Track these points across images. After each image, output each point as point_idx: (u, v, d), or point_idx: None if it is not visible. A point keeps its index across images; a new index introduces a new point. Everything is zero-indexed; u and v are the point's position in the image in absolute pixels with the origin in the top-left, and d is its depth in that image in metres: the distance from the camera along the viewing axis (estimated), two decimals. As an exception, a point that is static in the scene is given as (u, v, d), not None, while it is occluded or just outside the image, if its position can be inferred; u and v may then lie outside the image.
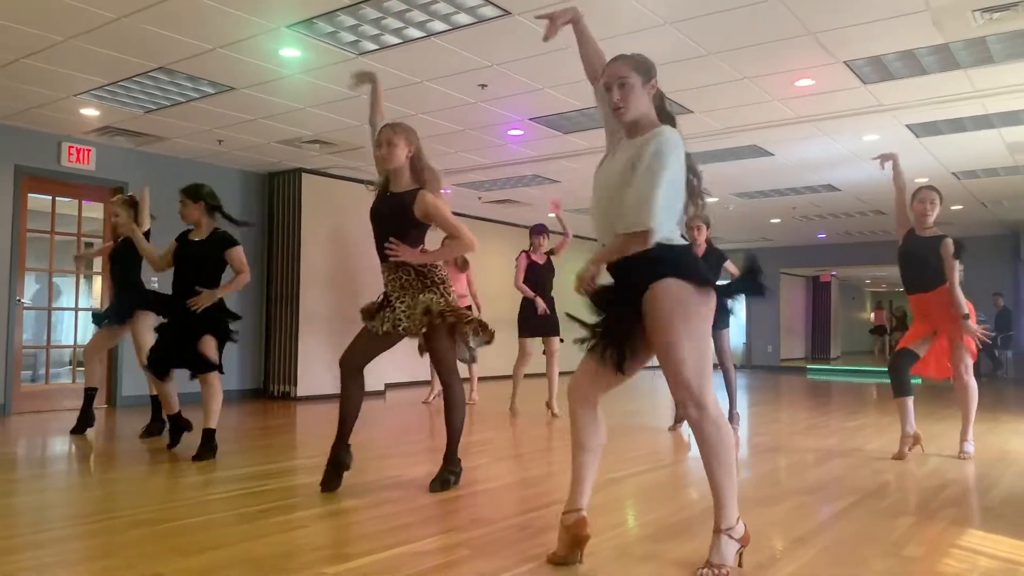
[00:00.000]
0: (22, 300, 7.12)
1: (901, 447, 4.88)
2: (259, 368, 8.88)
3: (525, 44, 4.96)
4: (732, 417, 6.06)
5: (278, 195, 8.96)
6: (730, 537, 2.51)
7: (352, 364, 3.76)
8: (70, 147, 7.28)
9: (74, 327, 7.72)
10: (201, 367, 4.57)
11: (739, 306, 16.75)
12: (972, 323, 4.73)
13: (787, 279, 17.71)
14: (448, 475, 3.83)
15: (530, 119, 6.72)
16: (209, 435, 4.58)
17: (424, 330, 3.69)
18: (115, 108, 6.40)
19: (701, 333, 2.45)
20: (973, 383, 4.89)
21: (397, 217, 3.69)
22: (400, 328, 3.67)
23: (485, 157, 8.20)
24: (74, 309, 7.85)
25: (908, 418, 4.87)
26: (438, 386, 7.44)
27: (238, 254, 4.76)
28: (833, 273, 19.60)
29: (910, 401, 4.87)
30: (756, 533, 3.14)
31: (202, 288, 4.62)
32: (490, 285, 9.89)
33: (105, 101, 6.21)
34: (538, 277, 7.13)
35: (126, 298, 5.55)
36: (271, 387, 8.75)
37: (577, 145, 7.54)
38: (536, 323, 7.04)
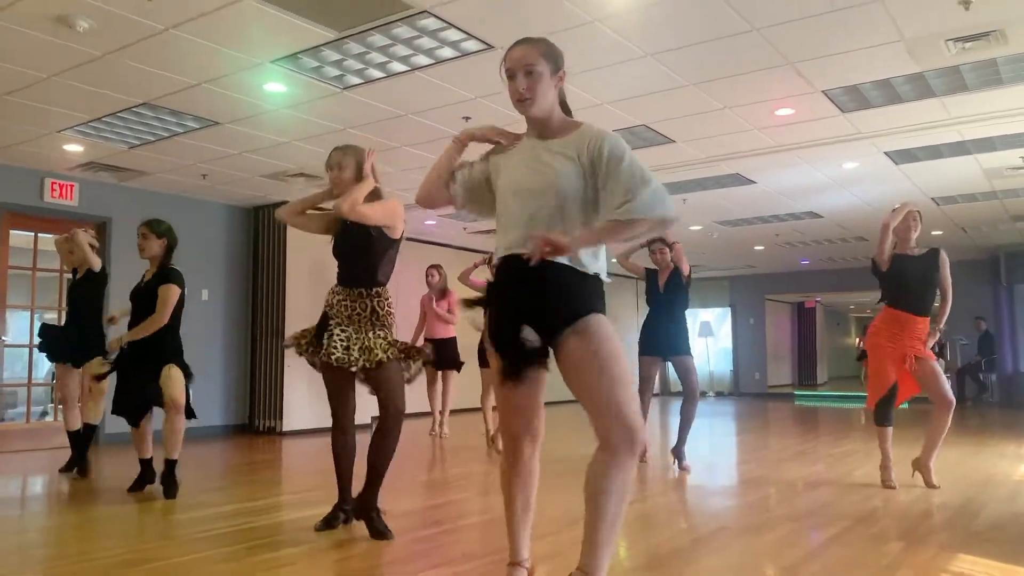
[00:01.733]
0: (4, 338, 7.03)
1: (888, 476, 4.84)
2: (244, 403, 8.79)
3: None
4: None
5: (263, 229, 8.94)
6: None
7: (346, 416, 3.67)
8: (53, 183, 7.25)
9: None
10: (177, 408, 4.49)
11: (725, 334, 16.81)
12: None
13: (772, 305, 17.80)
14: (339, 514, 3.65)
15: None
16: (173, 466, 4.51)
17: (364, 367, 3.48)
18: (99, 144, 6.39)
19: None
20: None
21: (364, 240, 3.51)
22: (333, 358, 3.43)
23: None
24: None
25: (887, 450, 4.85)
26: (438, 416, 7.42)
27: (164, 292, 4.54)
28: (818, 299, 19.72)
29: (890, 432, 4.86)
30: (747, 562, 3.13)
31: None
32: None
33: (89, 137, 6.21)
34: None
35: (90, 341, 5.38)
36: (256, 422, 8.65)
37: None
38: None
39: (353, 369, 3.47)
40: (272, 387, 8.57)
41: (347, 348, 3.44)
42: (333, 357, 3.42)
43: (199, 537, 3.52)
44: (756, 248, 12.56)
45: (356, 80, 5.08)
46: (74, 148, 6.51)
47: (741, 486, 5.01)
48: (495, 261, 2.35)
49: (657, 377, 5.91)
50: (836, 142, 6.53)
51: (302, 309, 8.70)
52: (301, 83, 5.10)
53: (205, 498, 4.50)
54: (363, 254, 3.52)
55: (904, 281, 4.82)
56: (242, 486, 5.07)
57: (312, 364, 3.66)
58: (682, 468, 5.54)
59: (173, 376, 4.49)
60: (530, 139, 2.35)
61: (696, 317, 17.22)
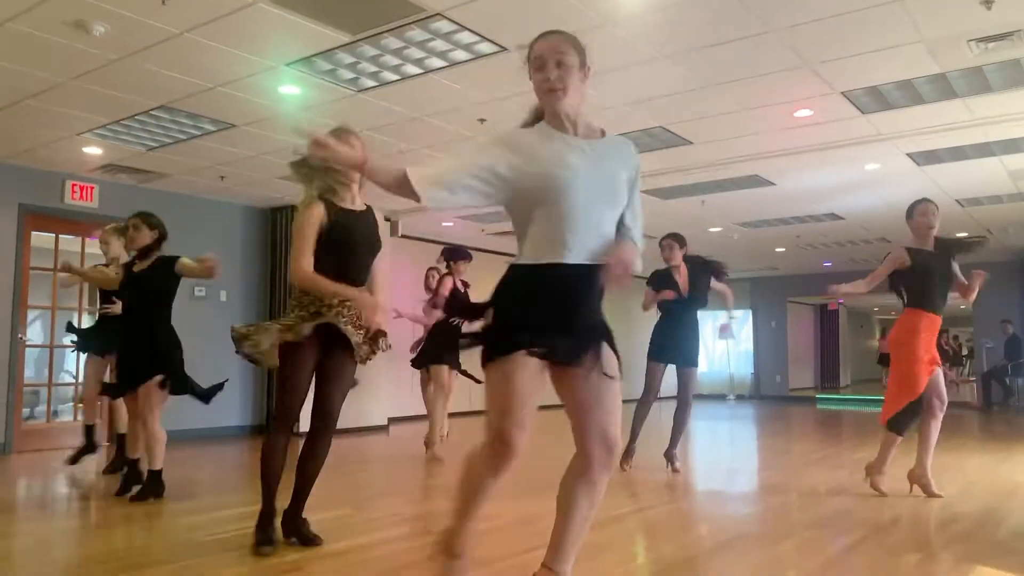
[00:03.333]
0: (24, 337, 7.11)
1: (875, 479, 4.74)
2: (261, 404, 8.83)
3: (522, 79, 4.96)
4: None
5: (280, 229, 8.98)
6: None
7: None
8: (73, 184, 7.33)
9: (75, 364, 7.70)
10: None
11: (746, 336, 16.66)
12: None
13: (794, 307, 17.62)
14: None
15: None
16: (154, 476, 4.44)
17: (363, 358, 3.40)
18: (117, 146, 6.44)
19: None
20: None
21: (368, 239, 3.43)
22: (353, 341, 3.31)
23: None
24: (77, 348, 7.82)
25: (887, 457, 4.72)
26: (443, 423, 6.83)
27: (186, 261, 4.61)
28: (840, 301, 19.49)
29: (898, 442, 4.69)
30: (764, 570, 3.08)
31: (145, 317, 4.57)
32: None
33: (107, 140, 6.26)
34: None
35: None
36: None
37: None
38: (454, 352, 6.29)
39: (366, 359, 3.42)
40: (289, 388, 8.58)
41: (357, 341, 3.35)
42: (353, 340, 3.31)
43: (205, 540, 3.51)
44: (777, 250, 12.43)
45: (370, 83, 5.08)
46: (93, 151, 6.57)
47: (761, 492, 4.96)
48: (530, 261, 2.14)
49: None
50: (856, 144, 6.43)
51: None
52: (315, 85, 5.11)
53: (217, 500, 4.52)
54: (369, 252, 3.44)
55: (931, 279, 4.62)
56: (255, 489, 5.04)
57: (255, 356, 3.38)
58: (674, 470, 5.49)
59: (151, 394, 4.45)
60: (562, 135, 2.19)
61: (716, 319, 17.10)
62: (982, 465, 6.01)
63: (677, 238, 5.83)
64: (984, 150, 6.64)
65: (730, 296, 6.20)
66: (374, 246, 3.46)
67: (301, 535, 3.37)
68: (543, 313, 2.11)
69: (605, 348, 2.16)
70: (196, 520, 4.00)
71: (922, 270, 4.63)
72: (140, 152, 6.63)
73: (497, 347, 2.11)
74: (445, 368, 6.40)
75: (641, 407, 5.65)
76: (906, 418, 4.58)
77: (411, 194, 2.05)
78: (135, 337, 4.54)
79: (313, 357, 3.30)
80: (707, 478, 5.37)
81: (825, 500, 4.56)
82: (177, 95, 5.27)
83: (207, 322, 7.73)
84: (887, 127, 6.03)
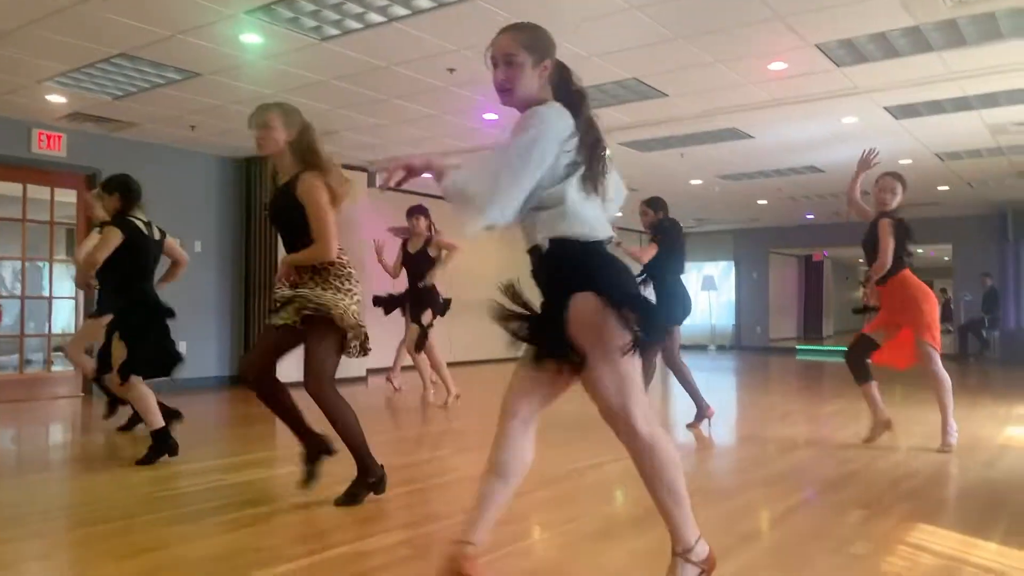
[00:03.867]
0: (-6, 289, 7.07)
1: (872, 432, 4.88)
2: (237, 356, 8.84)
3: (489, 29, 4.86)
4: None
5: (255, 181, 8.87)
6: (687, 561, 2.25)
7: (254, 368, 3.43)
8: (40, 133, 7.19)
9: (48, 315, 7.67)
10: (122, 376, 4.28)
11: (728, 287, 16.72)
12: (933, 312, 4.65)
13: (778, 258, 17.67)
14: (358, 489, 3.39)
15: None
16: (157, 435, 4.23)
17: (295, 320, 3.27)
18: (81, 95, 6.31)
19: None
20: (944, 374, 4.69)
21: (289, 210, 3.29)
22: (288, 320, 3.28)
23: (464, 141, 8.10)
24: (48, 297, 7.78)
25: (877, 404, 4.85)
26: (428, 374, 6.93)
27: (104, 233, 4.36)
28: (825, 253, 19.55)
29: (874, 387, 4.85)
30: (710, 527, 3.10)
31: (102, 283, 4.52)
32: (482, 267, 9.78)
33: (70, 88, 6.12)
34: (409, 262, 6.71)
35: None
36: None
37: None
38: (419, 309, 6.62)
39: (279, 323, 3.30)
40: (266, 339, 8.59)
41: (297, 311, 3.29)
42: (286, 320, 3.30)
43: (166, 495, 3.54)
44: (759, 202, 12.39)
45: (334, 31, 4.96)
46: (57, 99, 6.43)
47: (723, 447, 5.02)
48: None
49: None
50: (833, 97, 6.36)
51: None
52: (277, 34, 4.99)
53: (184, 454, 4.53)
54: (293, 224, 3.33)
55: (867, 249, 4.86)
56: (222, 442, 5.11)
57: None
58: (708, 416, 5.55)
59: (115, 347, 4.29)
60: None
61: (700, 271, 17.14)
62: (946, 419, 6.08)
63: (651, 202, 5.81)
64: (962, 104, 6.57)
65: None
66: (288, 216, 3.33)
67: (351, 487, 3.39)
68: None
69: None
70: (152, 475, 4.00)
71: (865, 242, 4.88)
72: (106, 101, 6.49)
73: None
74: (415, 326, 6.63)
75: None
76: (850, 371, 4.96)
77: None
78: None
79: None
80: (673, 432, 5.41)
81: (784, 455, 4.62)
82: (137, 43, 5.14)
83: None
84: (863, 80, 5.95)
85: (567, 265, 2.09)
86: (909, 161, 8.98)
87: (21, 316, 7.60)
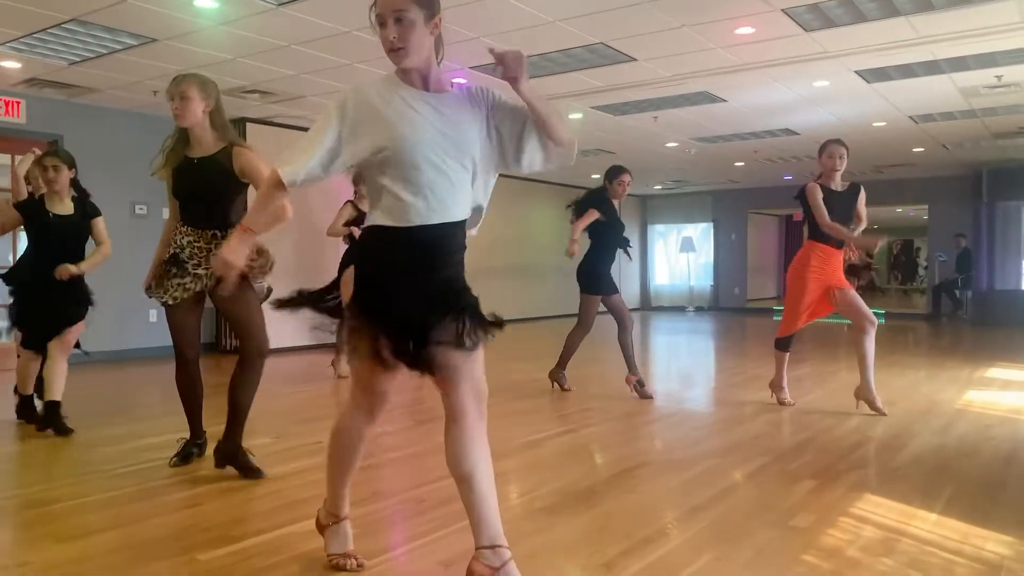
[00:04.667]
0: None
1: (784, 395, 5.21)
2: (210, 323, 8.79)
3: (449, -6, 4.78)
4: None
5: (224, 145, 8.74)
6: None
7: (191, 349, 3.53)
8: (-2, 99, 7.04)
9: None
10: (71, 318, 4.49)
11: (706, 247, 16.75)
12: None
13: (758, 219, 17.70)
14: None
15: (471, 68, 6.54)
16: (53, 407, 4.33)
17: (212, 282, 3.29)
18: (36, 60, 6.15)
19: None
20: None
21: (217, 182, 3.33)
22: (193, 290, 3.35)
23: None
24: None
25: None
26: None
27: (101, 226, 4.56)
28: (804, 213, 19.55)
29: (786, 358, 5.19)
30: (658, 500, 3.17)
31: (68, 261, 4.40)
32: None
33: (23, 53, 5.97)
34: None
35: None
36: (224, 341, 8.69)
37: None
38: None
39: (196, 289, 3.35)
40: (238, 306, 8.55)
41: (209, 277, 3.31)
42: (194, 288, 3.35)
43: (117, 473, 3.53)
44: (736, 164, 12.35)
45: (290, -4, 4.84)
46: (11, 64, 6.27)
47: (679, 415, 5.04)
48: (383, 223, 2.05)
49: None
50: (802, 61, 6.30)
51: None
52: None
53: (143, 427, 4.53)
54: (218, 197, 3.37)
55: (830, 216, 4.86)
56: (179, 415, 5.03)
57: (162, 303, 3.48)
58: (644, 396, 5.50)
59: (78, 328, 4.50)
60: (409, 88, 2.09)
61: (679, 232, 17.16)
62: (907, 383, 6.16)
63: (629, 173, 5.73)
64: (933, 68, 6.53)
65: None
66: (213, 191, 3.36)
67: (241, 467, 3.45)
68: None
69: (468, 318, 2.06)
70: (111, 450, 4.00)
71: (827, 208, 4.88)
72: (62, 66, 6.34)
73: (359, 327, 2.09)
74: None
75: (577, 338, 5.68)
76: (787, 339, 5.16)
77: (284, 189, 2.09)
78: (54, 283, 4.35)
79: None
80: (630, 400, 5.43)
81: (740, 424, 4.66)
82: (88, 8, 5.00)
83: (148, 240, 7.58)
84: (832, 45, 5.89)
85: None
86: (883, 123, 8.97)
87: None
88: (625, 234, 5.75)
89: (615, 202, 5.70)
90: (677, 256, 17.20)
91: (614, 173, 5.66)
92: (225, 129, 3.41)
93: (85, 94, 7.31)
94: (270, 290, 3.46)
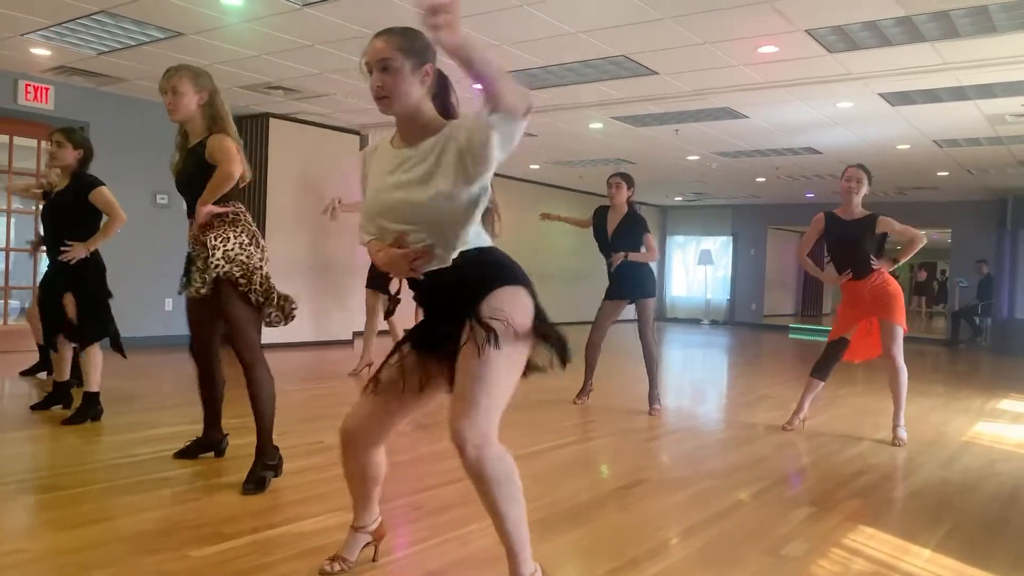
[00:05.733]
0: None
1: (793, 418, 5.07)
2: (225, 313, 8.88)
3: (477, 2, 4.80)
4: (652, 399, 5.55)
5: (253, 138, 8.82)
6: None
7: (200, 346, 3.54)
8: (27, 85, 7.14)
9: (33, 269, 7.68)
10: (72, 337, 4.38)
11: (725, 262, 16.66)
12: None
13: (778, 234, 17.57)
14: (263, 472, 3.31)
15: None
16: (89, 399, 4.36)
17: (206, 289, 3.24)
18: (66, 49, 6.25)
19: None
20: (903, 366, 4.79)
21: (199, 174, 3.25)
22: (199, 290, 3.25)
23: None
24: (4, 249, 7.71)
25: (810, 397, 5.06)
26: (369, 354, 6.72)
27: (104, 196, 4.30)
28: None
29: (821, 385, 5.02)
30: (652, 520, 3.17)
31: (72, 243, 4.27)
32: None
33: (53, 42, 6.07)
34: None
35: None
36: (233, 333, 8.76)
37: (545, 101, 7.37)
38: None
39: (192, 292, 3.28)
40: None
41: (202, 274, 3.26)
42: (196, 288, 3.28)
43: (119, 464, 3.57)
44: (758, 180, 12.29)
45: (315, -3, 4.89)
46: (41, 52, 6.37)
47: (684, 433, 5.01)
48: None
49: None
50: (825, 82, 6.27)
51: (284, 219, 8.69)
52: (258, -1, 4.92)
53: (146, 418, 4.56)
54: (199, 188, 3.27)
55: (839, 247, 4.81)
56: (186, 407, 5.06)
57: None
58: (652, 412, 5.47)
59: (66, 302, 4.34)
60: (388, 146, 2.16)
61: (698, 244, 17.09)
62: (918, 410, 6.09)
63: (625, 178, 5.63)
64: (958, 94, 6.48)
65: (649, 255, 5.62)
66: (193, 182, 3.30)
67: (251, 472, 3.32)
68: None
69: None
70: (111, 440, 4.04)
71: (834, 238, 4.82)
72: (91, 56, 6.44)
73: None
74: (371, 292, 6.60)
75: (588, 346, 5.68)
76: (824, 363, 5.00)
77: None
78: (58, 273, 4.34)
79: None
80: (635, 415, 5.41)
81: (743, 445, 4.63)
82: (118, 0, 5.07)
83: (166, 229, 7.69)
84: (856, 67, 5.86)
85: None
86: (907, 146, 8.90)
87: (5, 268, 7.61)
88: (616, 245, 5.54)
89: (613, 209, 5.63)
90: (695, 268, 17.13)
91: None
92: (216, 120, 3.31)
93: (112, 83, 7.41)
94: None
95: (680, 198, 15.65)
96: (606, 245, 5.59)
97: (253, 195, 8.70)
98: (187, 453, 3.69)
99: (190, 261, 3.36)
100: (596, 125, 8.47)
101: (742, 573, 2.59)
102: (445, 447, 4.17)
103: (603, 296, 5.67)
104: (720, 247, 16.84)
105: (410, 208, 2.03)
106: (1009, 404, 6.72)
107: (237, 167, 3.24)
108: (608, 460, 4.23)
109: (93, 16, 5.39)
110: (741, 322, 16.20)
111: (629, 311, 5.66)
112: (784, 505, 3.39)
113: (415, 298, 2.26)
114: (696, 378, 8.38)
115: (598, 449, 4.47)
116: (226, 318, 3.30)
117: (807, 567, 2.67)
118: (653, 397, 5.53)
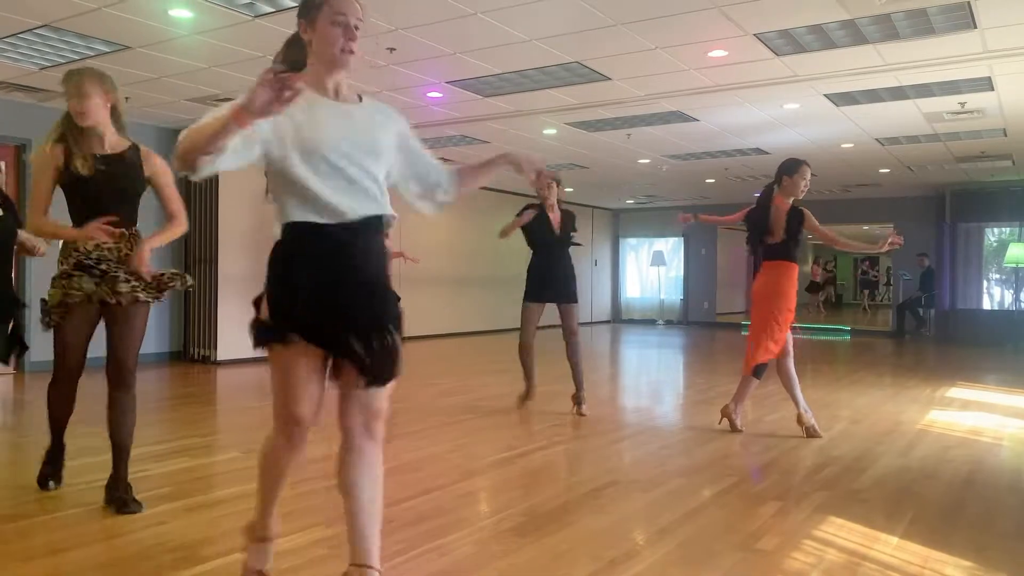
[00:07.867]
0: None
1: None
2: (178, 331, 8.71)
3: (429, 9, 4.81)
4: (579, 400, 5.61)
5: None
6: None
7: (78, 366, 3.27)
8: (-35, 102, 6.92)
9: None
10: None
11: (677, 262, 16.90)
12: None
13: (729, 234, 17.85)
14: (126, 497, 3.17)
15: (447, 82, 6.57)
16: None
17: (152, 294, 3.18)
18: (6, 64, 6.08)
19: None
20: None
21: (127, 181, 3.16)
22: (136, 295, 3.13)
23: (409, 118, 7.98)
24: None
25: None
26: None
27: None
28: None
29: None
30: (626, 521, 3.20)
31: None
32: (429, 242, 9.75)
33: (-7, 57, 5.90)
34: None
35: None
36: (191, 350, 8.59)
37: (499, 108, 7.41)
38: None
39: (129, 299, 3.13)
40: (206, 316, 8.47)
41: (146, 288, 3.18)
42: (136, 294, 3.14)
43: (88, 488, 3.47)
44: (708, 181, 12.50)
45: (267, 8, 4.84)
46: (-21, 68, 6.19)
47: (646, 434, 5.05)
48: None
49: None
50: (773, 84, 6.43)
51: (236, 236, 8.55)
52: (207, 9, 4.84)
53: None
54: (130, 197, 3.23)
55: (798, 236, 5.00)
56: (154, 425, 5.00)
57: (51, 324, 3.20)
58: (580, 414, 5.51)
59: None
60: (323, 98, 2.10)
61: (651, 246, 17.31)
62: (871, 402, 6.27)
63: (554, 177, 5.68)
64: (898, 93, 6.69)
65: None
66: (124, 191, 3.20)
67: (120, 506, 3.15)
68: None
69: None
70: (80, 464, 3.92)
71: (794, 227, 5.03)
72: (31, 71, 6.27)
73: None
74: None
75: (521, 350, 5.69)
76: (764, 365, 5.05)
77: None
78: None
79: (89, 312, 3.16)
80: (600, 417, 5.46)
81: (707, 443, 4.70)
82: (61, 15, 4.95)
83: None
84: (802, 69, 6.02)
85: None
86: (851, 145, 9.15)
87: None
88: (554, 242, 5.59)
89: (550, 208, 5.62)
90: (648, 269, 17.35)
91: None
92: (123, 127, 3.26)
93: (56, 98, 7.20)
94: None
95: (632, 201, 15.84)
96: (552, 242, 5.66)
97: (205, 209, 8.56)
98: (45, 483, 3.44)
99: (83, 269, 3.11)
100: (550, 131, 8.53)
101: (719, 569, 2.64)
102: (414, 458, 4.19)
103: (523, 298, 5.68)
104: (672, 248, 17.07)
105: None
106: (957, 392, 6.95)
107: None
108: (578, 463, 4.26)
109: (35, 30, 5.25)
110: (695, 321, 16.44)
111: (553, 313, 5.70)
112: (752, 500, 3.46)
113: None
114: (654, 378, 8.48)
115: (566, 453, 4.50)
116: (133, 330, 3.18)
117: (782, 560, 2.73)
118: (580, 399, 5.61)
